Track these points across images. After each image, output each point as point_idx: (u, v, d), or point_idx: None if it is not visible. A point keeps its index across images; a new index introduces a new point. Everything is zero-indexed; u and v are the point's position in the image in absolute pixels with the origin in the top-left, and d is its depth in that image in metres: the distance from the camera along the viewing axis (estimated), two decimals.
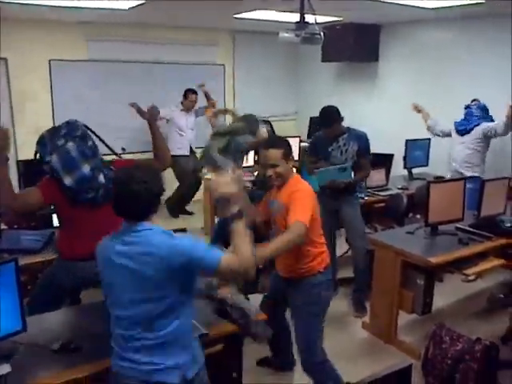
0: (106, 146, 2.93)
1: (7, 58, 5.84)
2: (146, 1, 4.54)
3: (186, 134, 6.40)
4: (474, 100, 4.96)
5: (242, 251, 1.85)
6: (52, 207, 2.90)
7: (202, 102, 6.52)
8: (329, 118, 3.89)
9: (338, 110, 3.89)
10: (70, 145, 2.56)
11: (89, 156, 2.58)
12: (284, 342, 3.16)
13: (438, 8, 4.92)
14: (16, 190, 4.44)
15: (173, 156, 6.07)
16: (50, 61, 6.06)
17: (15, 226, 3.99)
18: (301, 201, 2.58)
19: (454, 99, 5.14)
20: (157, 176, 1.95)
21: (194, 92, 6.36)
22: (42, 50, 6.00)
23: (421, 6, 4.83)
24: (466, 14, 5.31)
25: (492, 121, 4.84)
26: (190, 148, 6.47)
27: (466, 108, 4.96)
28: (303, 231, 2.48)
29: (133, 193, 1.84)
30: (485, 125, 4.77)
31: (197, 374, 1.94)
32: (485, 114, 4.86)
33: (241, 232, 1.89)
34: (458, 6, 4.76)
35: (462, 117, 4.97)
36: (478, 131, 4.79)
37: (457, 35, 5.82)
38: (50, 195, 2.61)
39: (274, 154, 2.64)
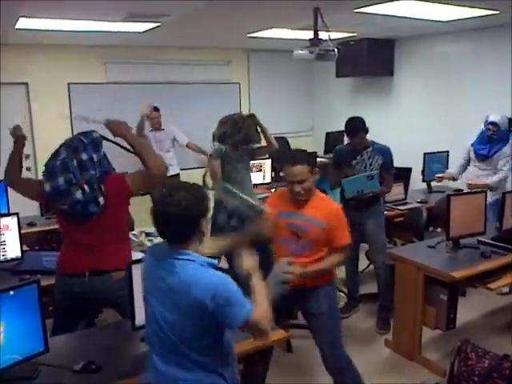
0: (126, 149, 2.86)
1: (28, 82, 5.99)
2: (160, 23, 4.63)
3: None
4: (491, 124, 4.49)
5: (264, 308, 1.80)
6: None
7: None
8: (354, 127, 3.87)
9: (363, 120, 3.88)
10: (62, 155, 2.55)
11: (70, 169, 2.51)
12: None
13: (451, 21, 4.90)
14: (37, 212, 4.58)
15: None
16: (68, 84, 6.19)
17: (36, 248, 4.06)
18: (344, 220, 2.70)
19: (471, 112, 5.09)
20: (198, 198, 1.81)
21: (155, 109, 6.04)
22: (61, 73, 6.12)
23: (434, 19, 4.82)
24: (480, 26, 5.29)
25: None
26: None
27: (484, 132, 4.60)
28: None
29: (168, 215, 1.75)
30: (504, 154, 4.51)
31: None
32: (505, 134, 4.54)
33: (259, 288, 1.88)
34: (471, 18, 4.74)
35: (479, 134, 4.68)
36: (500, 157, 4.53)
37: (471, 47, 5.79)
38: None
39: (302, 169, 2.64)
